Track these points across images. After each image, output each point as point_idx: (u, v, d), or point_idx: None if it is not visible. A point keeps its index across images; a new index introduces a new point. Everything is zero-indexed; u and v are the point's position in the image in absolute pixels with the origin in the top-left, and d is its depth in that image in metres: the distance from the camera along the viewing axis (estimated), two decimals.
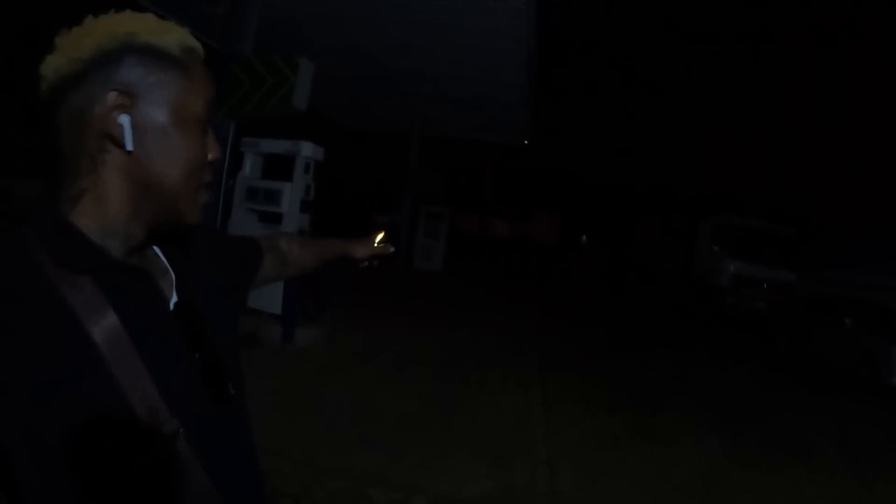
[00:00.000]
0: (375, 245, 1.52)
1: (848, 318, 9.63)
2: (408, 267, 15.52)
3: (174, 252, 0.95)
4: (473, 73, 10.87)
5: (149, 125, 0.77)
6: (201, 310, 0.91)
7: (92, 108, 0.74)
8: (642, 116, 35.88)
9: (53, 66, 0.75)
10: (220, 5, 8.79)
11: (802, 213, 20.76)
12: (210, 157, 0.85)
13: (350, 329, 7.15)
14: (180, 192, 0.81)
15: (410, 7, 8.24)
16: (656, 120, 35.10)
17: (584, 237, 37.80)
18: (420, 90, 12.59)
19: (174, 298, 0.89)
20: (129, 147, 0.75)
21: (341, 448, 3.98)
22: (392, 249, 1.54)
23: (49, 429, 0.68)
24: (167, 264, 0.92)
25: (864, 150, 22.85)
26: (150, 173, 0.79)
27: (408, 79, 11.82)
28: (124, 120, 0.75)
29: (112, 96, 0.74)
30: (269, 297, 6.05)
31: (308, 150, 6.44)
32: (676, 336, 10.85)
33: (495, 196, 30.94)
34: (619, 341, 9.37)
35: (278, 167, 6.41)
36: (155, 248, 0.93)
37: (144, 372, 0.75)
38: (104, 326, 0.73)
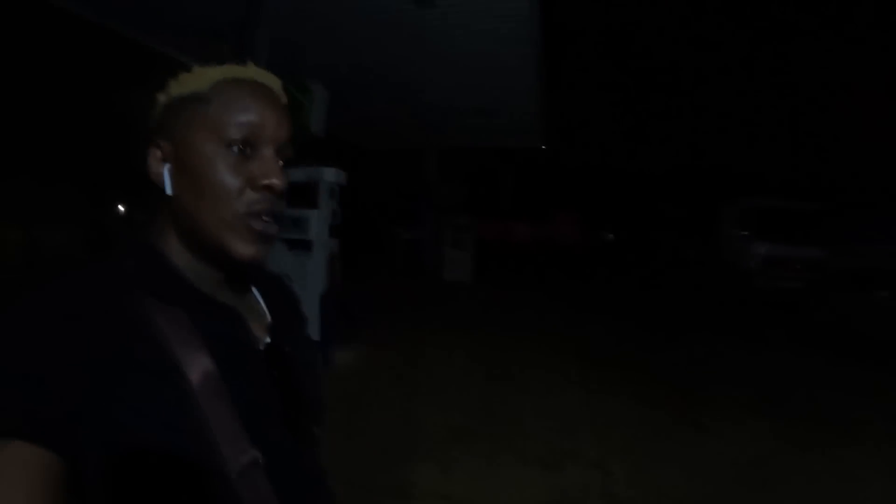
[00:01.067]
0: None
1: (883, 291, 9.50)
2: (437, 280, 15.55)
3: (276, 297, 1.01)
4: (482, 81, 10.88)
5: (181, 167, 0.83)
6: (291, 353, 0.94)
7: (150, 163, 0.86)
8: (656, 103, 35.61)
9: (143, 135, 0.87)
10: (226, 41, 8.94)
11: (829, 187, 20.48)
12: (262, 182, 0.83)
13: (386, 346, 7.20)
14: (210, 222, 0.82)
15: (413, 21, 8.29)
16: (670, 105, 34.81)
17: (608, 233, 37.60)
18: (430, 103, 12.64)
19: (266, 339, 0.92)
20: (169, 191, 0.84)
21: (392, 466, 4.01)
22: None
23: (132, 459, 0.70)
24: (265, 308, 0.97)
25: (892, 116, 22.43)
26: (188, 211, 0.84)
27: (418, 93, 11.87)
28: (165, 169, 0.84)
29: (155, 152, 0.85)
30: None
31: (331, 175, 6.51)
32: (710, 323, 10.76)
33: (516, 200, 30.93)
34: (653, 332, 9.32)
35: (303, 194, 6.49)
36: (255, 290, 0.99)
37: (232, 410, 0.77)
38: (198, 363, 0.76)
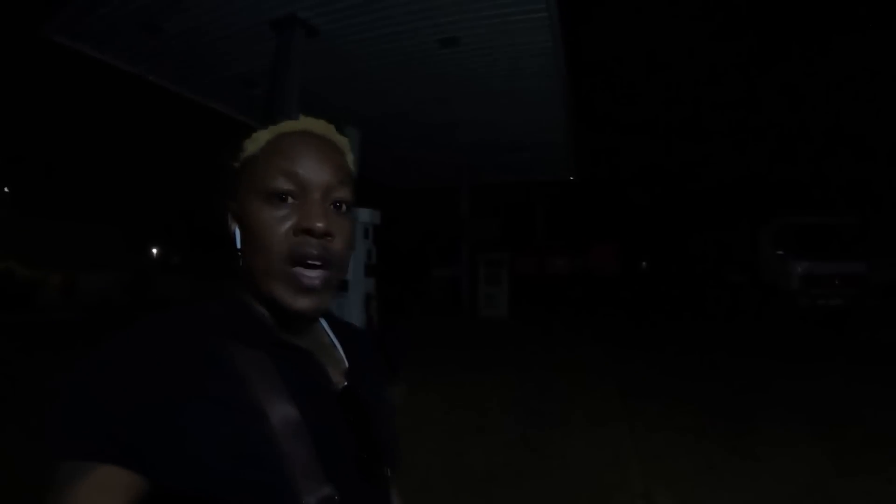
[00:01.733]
0: None
1: None
2: (473, 316, 15.52)
3: (351, 343, 1.04)
4: (511, 117, 10.98)
5: (241, 225, 0.87)
6: (366, 397, 0.96)
7: (228, 222, 0.90)
8: (686, 127, 35.41)
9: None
10: (257, 86, 9.14)
11: (866, 200, 20.10)
12: (302, 226, 0.83)
13: (425, 385, 7.15)
14: (260, 273, 0.84)
15: (439, 62, 8.41)
16: (701, 128, 34.59)
17: (644, 262, 37.27)
18: (461, 141, 12.74)
19: (343, 383, 0.94)
20: (238, 245, 0.88)
21: None
22: None
23: (209, 489, 0.72)
24: (342, 353, 1.00)
25: None
26: (247, 266, 0.87)
27: (447, 132, 11.98)
28: (235, 227, 0.88)
29: (228, 213, 0.90)
30: None
31: (366, 215, 6.58)
32: (754, 347, 10.54)
33: (550, 234, 30.85)
34: (696, 361, 9.15)
35: None
36: (332, 336, 1.02)
37: (309, 449, 0.79)
38: (277, 402, 0.79)
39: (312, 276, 0.84)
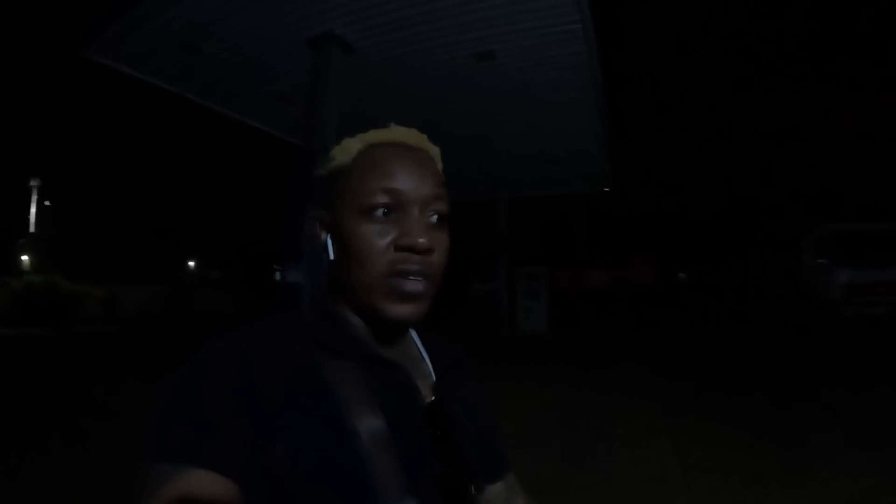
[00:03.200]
0: None
1: None
2: (513, 331, 15.46)
3: (442, 357, 1.03)
4: (547, 130, 10.95)
5: (335, 236, 0.89)
6: (454, 412, 0.96)
7: (317, 232, 0.92)
8: (722, 137, 35.08)
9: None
10: (295, 103, 9.22)
11: None
12: (403, 242, 0.83)
13: None
14: (359, 285, 0.85)
15: (475, 76, 8.42)
16: (737, 137, 34.23)
17: (682, 274, 36.91)
18: (497, 155, 12.74)
19: (431, 397, 0.94)
20: (331, 256, 0.90)
21: None
22: None
23: (295, 495, 0.74)
24: (430, 367, 1.00)
25: None
26: (343, 275, 0.88)
27: (484, 146, 11.97)
28: (327, 238, 0.91)
29: (315, 224, 0.92)
30: None
31: None
32: (798, 359, 10.30)
33: (588, 247, 30.72)
34: (739, 374, 8.96)
35: None
36: (422, 349, 1.02)
37: (394, 460, 0.80)
38: (364, 413, 0.80)
39: (414, 285, 0.84)
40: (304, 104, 7.70)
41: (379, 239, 0.83)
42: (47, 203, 37.79)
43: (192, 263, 50.56)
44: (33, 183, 36.38)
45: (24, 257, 33.45)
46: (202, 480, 0.68)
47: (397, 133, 0.91)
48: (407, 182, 0.85)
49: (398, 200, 0.84)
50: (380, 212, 0.83)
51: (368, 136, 0.90)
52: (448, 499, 0.88)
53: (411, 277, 0.83)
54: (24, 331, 16.35)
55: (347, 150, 0.90)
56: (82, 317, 20.19)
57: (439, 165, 0.95)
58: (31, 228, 35.51)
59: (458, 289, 19.37)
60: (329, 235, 0.90)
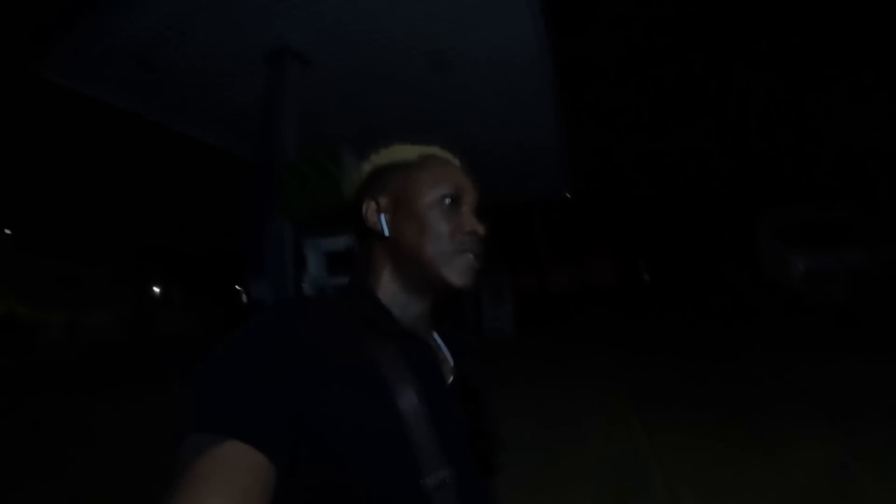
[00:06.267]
0: None
1: None
2: (480, 336, 15.46)
3: (458, 342, 1.18)
4: (504, 135, 11.01)
5: (402, 214, 1.04)
6: (476, 389, 1.07)
7: (364, 215, 1.07)
8: (676, 126, 35.33)
9: (347, 195, 1.14)
10: (252, 119, 9.17)
11: (866, 183, 19.92)
12: (468, 228, 1.04)
13: None
14: (431, 256, 1.01)
15: (432, 85, 8.48)
16: (690, 127, 34.51)
17: (644, 267, 37.19)
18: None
19: (451, 378, 1.06)
20: (387, 233, 1.04)
21: None
22: None
23: (339, 466, 0.80)
24: (447, 352, 1.13)
25: None
26: (404, 248, 1.03)
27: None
28: (381, 218, 1.05)
29: (370, 205, 1.07)
30: None
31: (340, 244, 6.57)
32: (763, 344, 10.48)
33: (550, 249, 30.79)
34: (707, 362, 9.10)
35: (341, 263, 6.55)
36: (437, 336, 1.15)
37: (432, 432, 0.88)
38: (404, 387, 0.89)
39: (475, 261, 1.06)
40: (262, 120, 7.68)
41: (448, 222, 1.03)
42: (7, 231, 36.94)
43: (154, 287, 49.71)
44: None
45: None
46: (236, 453, 0.71)
47: (443, 152, 1.14)
48: (466, 186, 1.09)
49: (459, 196, 1.07)
50: (448, 201, 1.04)
51: (422, 147, 1.12)
52: (479, 468, 0.97)
53: (472, 255, 1.05)
54: None
55: (408, 151, 1.10)
56: (43, 345, 19.80)
57: None
58: None
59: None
60: (386, 216, 1.05)
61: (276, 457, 0.74)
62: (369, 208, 1.06)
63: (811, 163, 26.08)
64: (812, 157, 26.26)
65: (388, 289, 1.04)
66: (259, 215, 6.59)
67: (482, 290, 16.10)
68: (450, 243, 1.02)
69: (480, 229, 1.05)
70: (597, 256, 33.56)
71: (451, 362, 1.10)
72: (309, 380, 0.80)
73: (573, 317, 20.42)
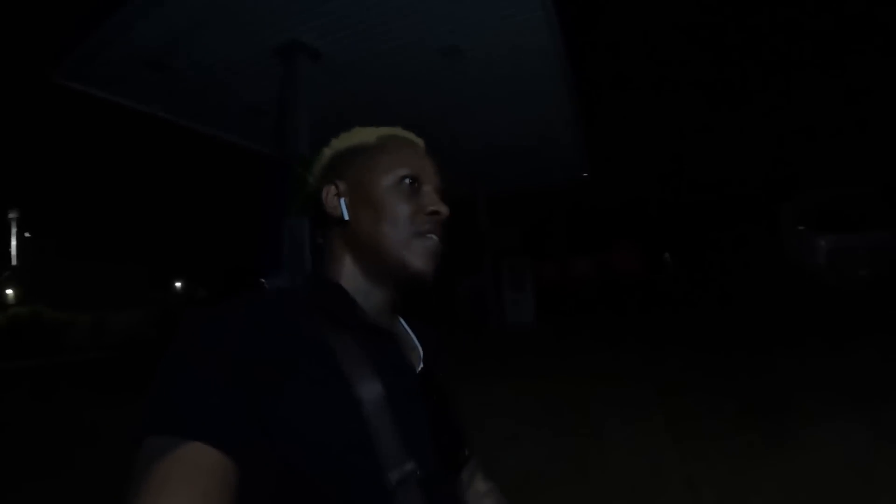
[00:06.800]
0: None
1: None
2: (501, 324, 15.47)
3: (425, 333, 1.15)
4: (519, 122, 10.97)
5: (360, 199, 1.01)
6: (441, 381, 1.06)
7: (324, 200, 1.03)
8: (696, 115, 35.06)
9: (308, 185, 1.09)
10: (266, 113, 9.22)
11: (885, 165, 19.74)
12: (429, 209, 1.01)
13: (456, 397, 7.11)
14: (389, 241, 0.98)
15: (443, 74, 8.46)
16: (712, 114, 34.23)
17: (668, 256, 36.98)
18: (472, 152, 12.73)
19: (419, 367, 1.02)
20: (346, 217, 1.01)
21: None
22: None
23: (299, 462, 0.76)
24: (416, 341, 1.10)
25: None
26: (367, 234, 0.99)
27: (457, 143, 11.96)
28: (341, 202, 1.01)
29: (329, 189, 1.04)
30: None
31: None
32: (786, 331, 10.34)
33: (571, 237, 30.69)
34: (729, 351, 9.00)
35: None
36: (404, 324, 1.13)
37: (394, 425, 0.84)
38: (365, 380, 0.85)
39: (436, 245, 1.02)
40: (276, 114, 7.69)
41: (408, 203, 1.00)
42: (27, 235, 37.49)
43: (178, 283, 50.21)
44: (12, 215, 36.09)
45: (9, 291, 33.20)
46: (196, 455, 0.69)
47: (405, 133, 1.13)
48: (427, 166, 1.07)
49: (420, 178, 1.03)
50: (407, 182, 1.01)
51: (381, 129, 1.10)
52: (444, 462, 0.94)
53: (432, 236, 1.01)
54: (10, 364, 16.24)
55: (368, 133, 1.09)
56: (69, 345, 20.06)
57: None
58: (14, 261, 35.25)
59: (445, 286, 19.32)
60: (346, 200, 1.02)
61: (236, 456, 0.72)
62: (329, 193, 1.03)
63: (835, 151, 25.86)
64: (836, 145, 26.05)
65: (351, 277, 1.01)
66: (276, 209, 6.62)
67: (503, 276, 16.09)
68: (409, 226, 0.99)
69: (443, 209, 1.03)
70: (619, 244, 33.38)
71: (421, 351, 1.07)
72: (267, 376, 0.77)
73: (594, 307, 20.32)
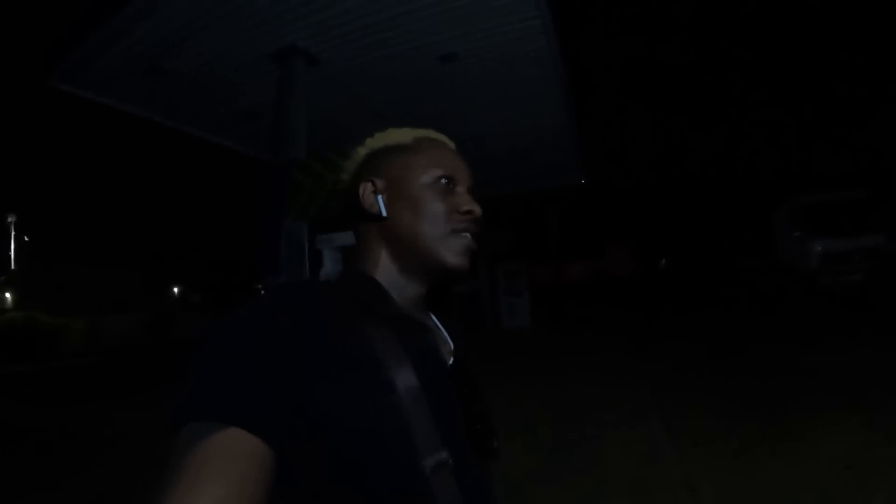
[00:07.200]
0: None
1: None
2: (497, 328, 15.48)
3: (453, 326, 1.19)
4: (515, 126, 10.98)
5: (398, 195, 1.04)
6: (473, 373, 1.09)
7: (361, 196, 1.05)
8: (689, 118, 35.13)
9: (342, 180, 1.13)
10: (262, 118, 9.20)
11: (878, 170, 19.86)
12: (464, 208, 1.04)
13: None
14: (427, 238, 1.01)
15: (440, 78, 8.46)
16: (704, 119, 34.30)
17: (662, 259, 37.08)
18: (467, 155, 12.72)
19: (451, 359, 1.06)
20: (384, 213, 1.04)
21: None
22: None
23: (338, 448, 0.79)
24: (446, 334, 1.14)
25: None
26: (400, 229, 1.03)
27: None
28: (378, 199, 1.04)
29: (367, 186, 1.06)
30: None
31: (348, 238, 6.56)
32: (781, 331, 10.43)
33: (565, 240, 30.68)
34: (725, 351, 9.06)
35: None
36: (434, 318, 1.15)
37: (429, 414, 0.87)
38: (402, 369, 0.87)
39: (470, 242, 1.06)
40: (272, 118, 7.68)
41: (444, 202, 1.03)
42: (25, 238, 37.31)
43: (173, 288, 50.07)
44: (10, 219, 35.90)
45: (7, 295, 33.10)
46: (234, 441, 0.70)
47: (440, 136, 1.16)
48: (462, 167, 1.10)
49: (455, 178, 1.07)
50: (443, 182, 1.05)
51: (417, 131, 1.13)
52: (475, 452, 0.97)
53: (466, 234, 1.04)
54: (4, 369, 16.22)
55: (404, 134, 1.12)
56: (64, 349, 20.01)
57: None
58: (12, 265, 35.09)
59: (440, 290, 19.31)
60: (383, 197, 1.05)
61: (275, 442, 0.73)
62: (366, 190, 1.06)
63: (827, 154, 25.95)
64: (828, 149, 26.14)
65: (386, 271, 1.04)
66: (273, 213, 6.61)
67: (498, 281, 16.09)
68: (445, 224, 1.03)
69: (477, 209, 1.06)
70: (613, 247, 33.43)
71: (451, 345, 1.11)
72: (306, 363, 0.79)
73: (591, 306, 20.36)
